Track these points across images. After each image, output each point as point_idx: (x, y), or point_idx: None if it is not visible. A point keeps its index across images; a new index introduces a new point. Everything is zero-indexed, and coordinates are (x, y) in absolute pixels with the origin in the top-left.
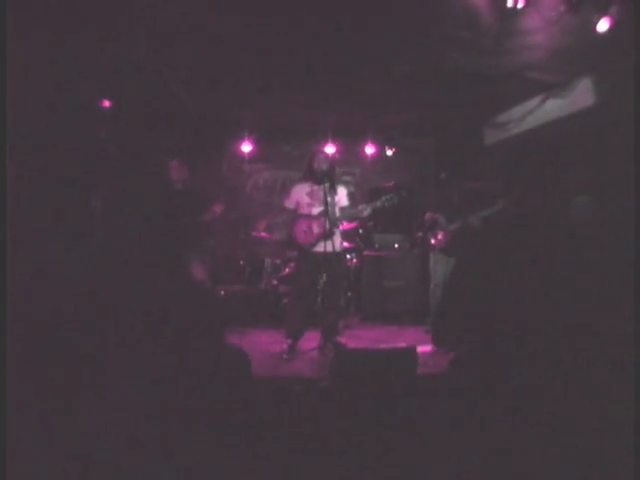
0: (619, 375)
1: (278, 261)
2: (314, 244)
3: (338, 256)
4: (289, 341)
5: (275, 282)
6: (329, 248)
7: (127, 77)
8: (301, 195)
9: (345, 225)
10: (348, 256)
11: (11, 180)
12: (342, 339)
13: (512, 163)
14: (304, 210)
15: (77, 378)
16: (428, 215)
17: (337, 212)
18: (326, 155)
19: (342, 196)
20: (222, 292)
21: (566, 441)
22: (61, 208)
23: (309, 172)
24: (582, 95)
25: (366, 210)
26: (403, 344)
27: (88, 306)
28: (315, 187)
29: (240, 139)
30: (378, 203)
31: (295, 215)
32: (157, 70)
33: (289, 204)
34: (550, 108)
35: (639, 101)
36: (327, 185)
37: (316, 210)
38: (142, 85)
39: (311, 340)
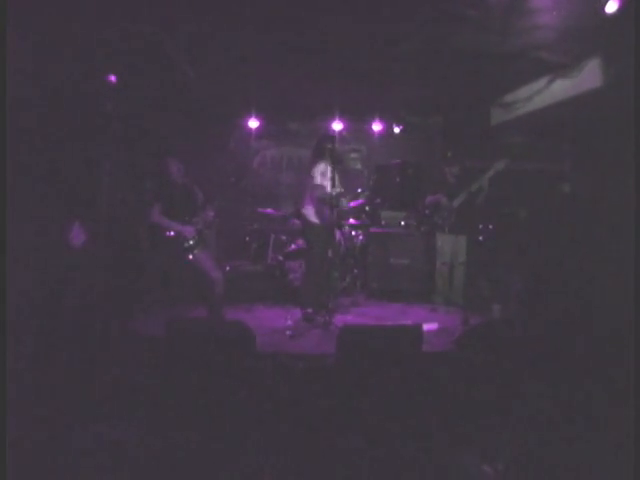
0: None
1: (284, 237)
2: (324, 222)
3: (342, 234)
4: (309, 311)
5: (280, 258)
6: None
7: (133, 53)
8: (318, 175)
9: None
10: (354, 233)
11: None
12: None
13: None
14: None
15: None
16: (430, 198)
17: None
18: (333, 137)
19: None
20: (227, 268)
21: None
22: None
23: (318, 153)
24: (590, 76)
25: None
26: (409, 322)
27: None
28: (326, 167)
29: (247, 115)
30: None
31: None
32: (163, 46)
33: (320, 181)
34: (557, 89)
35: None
36: (335, 167)
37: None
38: (148, 61)
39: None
